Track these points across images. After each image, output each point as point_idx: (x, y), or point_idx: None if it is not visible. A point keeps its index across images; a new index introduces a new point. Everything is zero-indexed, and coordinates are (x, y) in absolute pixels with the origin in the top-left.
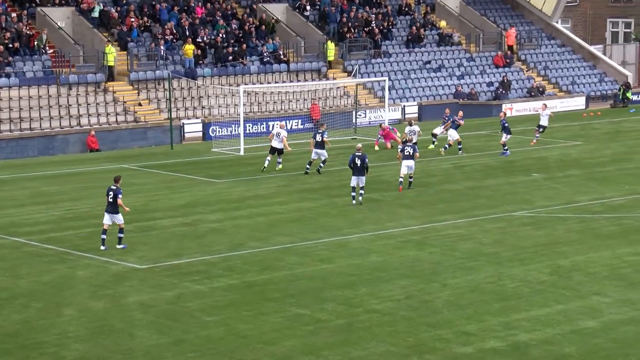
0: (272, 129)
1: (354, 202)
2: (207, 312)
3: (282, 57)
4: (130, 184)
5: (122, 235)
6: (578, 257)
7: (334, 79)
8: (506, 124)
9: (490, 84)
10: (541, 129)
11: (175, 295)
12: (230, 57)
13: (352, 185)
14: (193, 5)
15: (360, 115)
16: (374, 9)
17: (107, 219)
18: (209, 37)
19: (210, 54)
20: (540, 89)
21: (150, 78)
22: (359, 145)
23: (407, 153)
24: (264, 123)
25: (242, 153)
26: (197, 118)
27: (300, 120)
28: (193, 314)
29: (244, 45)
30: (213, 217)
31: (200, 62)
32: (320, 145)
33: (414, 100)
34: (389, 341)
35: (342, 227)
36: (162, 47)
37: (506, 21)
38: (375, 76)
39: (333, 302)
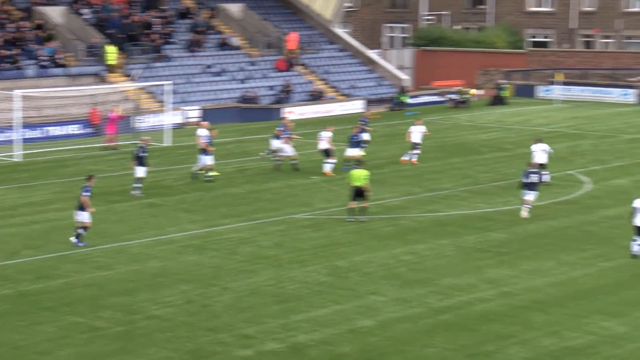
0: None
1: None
2: None
3: (60, 60)
4: None
5: (83, 232)
6: (356, 258)
7: (114, 83)
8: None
9: (272, 88)
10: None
11: None
12: (7, 62)
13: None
14: None
15: (141, 119)
16: (155, 12)
17: (76, 216)
18: None
19: None
20: (321, 93)
21: None
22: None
23: None
24: (42, 128)
25: (18, 159)
26: None
27: (80, 125)
28: None
29: (20, 49)
30: None
31: None
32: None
33: (197, 105)
34: (168, 347)
35: (122, 233)
36: None
37: (287, 26)
38: (157, 80)
39: (111, 310)
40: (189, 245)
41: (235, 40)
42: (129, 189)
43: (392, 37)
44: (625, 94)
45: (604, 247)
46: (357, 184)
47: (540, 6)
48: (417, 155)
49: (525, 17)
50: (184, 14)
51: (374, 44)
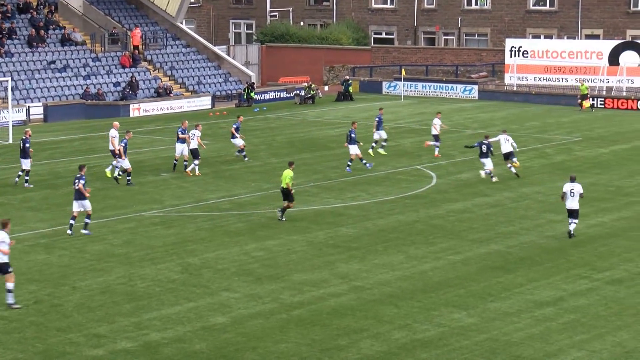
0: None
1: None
2: None
3: None
4: None
5: (89, 221)
6: (208, 255)
7: None
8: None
9: (117, 84)
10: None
11: None
12: None
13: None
14: None
15: None
16: None
17: (76, 206)
18: None
19: None
20: (167, 90)
21: None
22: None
23: None
24: None
25: None
26: None
27: None
28: None
29: None
30: None
31: None
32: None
33: (39, 101)
34: (17, 348)
35: None
36: None
37: (131, 21)
38: None
39: None
40: (37, 244)
41: (78, 36)
42: None
43: (237, 33)
44: (467, 90)
45: (451, 240)
46: (282, 184)
47: (383, 3)
48: (437, 149)
49: (369, 14)
50: (23, 9)
51: (220, 40)
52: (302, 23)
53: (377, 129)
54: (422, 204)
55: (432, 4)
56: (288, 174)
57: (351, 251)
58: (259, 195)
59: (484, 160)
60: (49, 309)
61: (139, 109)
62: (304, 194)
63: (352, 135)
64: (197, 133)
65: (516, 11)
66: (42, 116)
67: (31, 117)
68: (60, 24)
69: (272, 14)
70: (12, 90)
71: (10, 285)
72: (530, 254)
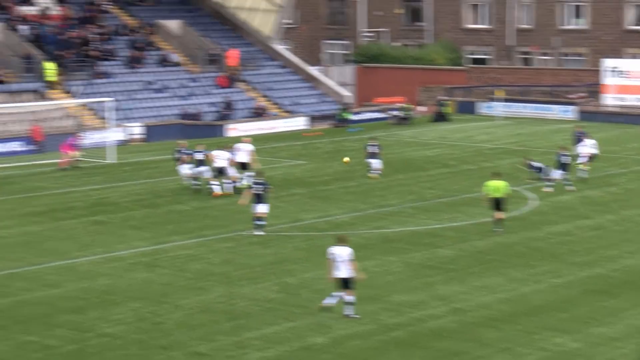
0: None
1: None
2: None
3: None
4: None
5: (263, 222)
6: (306, 275)
7: (55, 99)
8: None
9: (213, 104)
10: None
11: None
12: None
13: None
14: None
15: (84, 136)
16: (92, 28)
17: (259, 208)
18: None
19: None
20: (264, 110)
21: None
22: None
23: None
24: None
25: None
26: None
27: (22, 143)
28: None
29: None
30: None
31: None
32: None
33: (139, 121)
34: None
35: (70, 251)
36: None
37: (226, 42)
38: (98, 97)
39: (62, 328)
40: (139, 263)
41: (175, 57)
42: (75, 206)
43: (332, 53)
44: (565, 111)
45: (552, 263)
46: (497, 195)
47: (477, 23)
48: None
49: (464, 34)
50: (122, 31)
51: (315, 60)
52: (396, 43)
53: (578, 145)
54: (521, 225)
55: (528, 24)
56: (502, 184)
57: (449, 273)
58: (355, 215)
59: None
60: (151, 327)
61: (236, 129)
62: (401, 215)
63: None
64: (248, 147)
65: (613, 31)
66: (142, 136)
67: (132, 136)
68: (159, 46)
69: (367, 34)
70: (112, 110)
71: (350, 298)
72: (634, 278)
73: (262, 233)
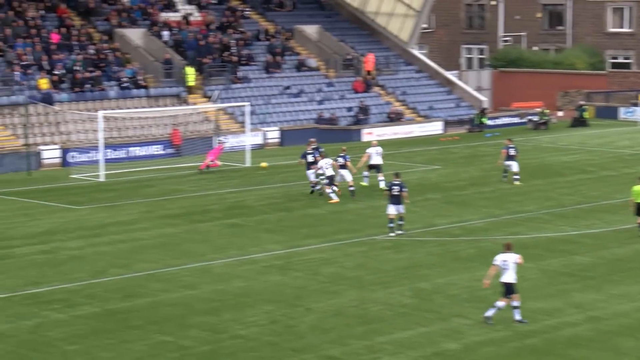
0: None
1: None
2: (68, 341)
3: (141, 82)
4: None
5: (402, 222)
6: (439, 280)
7: (194, 104)
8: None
9: (349, 109)
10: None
11: (35, 324)
12: (89, 84)
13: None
14: (47, 31)
15: (220, 140)
16: (233, 34)
17: (392, 210)
18: (64, 64)
19: (67, 79)
20: (399, 115)
21: (5, 104)
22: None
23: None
24: (124, 149)
25: (102, 179)
26: (55, 144)
27: (161, 146)
28: (54, 343)
29: (100, 71)
30: (73, 245)
31: (57, 87)
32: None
33: (275, 126)
34: None
35: (205, 253)
36: (16, 73)
37: (364, 47)
38: (236, 101)
39: (197, 329)
40: (272, 266)
41: (313, 62)
42: (211, 209)
43: (469, 58)
44: None
45: None
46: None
47: (620, 27)
48: None
49: (605, 38)
50: (261, 36)
51: (451, 65)
52: (535, 48)
53: None
54: None
55: None
56: None
57: (586, 280)
58: (490, 221)
59: None
60: (284, 330)
61: (371, 134)
62: (537, 221)
63: None
64: (378, 149)
65: None
66: (277, 140)
67: (267, 141)
68: (296, 50)
69: (505, 38)
70: (249, 115)
71: (516, 302)
72: None
73: (401, 232)
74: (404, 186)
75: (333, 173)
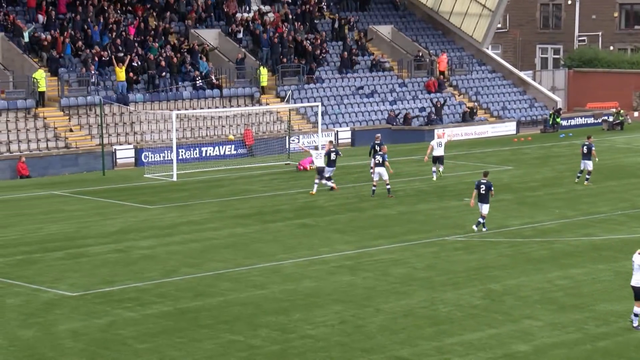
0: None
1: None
2: (139, 340)
3: (215, 82)
4: (60, 210)
5: (482, 220)
6: (510, 281)
7: (267, 104)
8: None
9: (422, 109)
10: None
11: (107, 322)
12: (164, 84)
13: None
14: (124, 24)
15: (293, 140)
16: (308, 34)
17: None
18: (142, 58)
19: (142, 79)
20: (472, 115)
21: (81, 104)
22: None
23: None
24: (197, 148)
25: (175, 179)
26: (129, 144)
27: (233, 146)
28: (125, 341)
29: (177, 71)
30: (145, 244)
31: (133, 87)
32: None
33: (347, 126)
34: None
35: (276, 253)
36: (92, 72)
37: (437, 47)
38: (308, 101)
39: (267, 328)
40: (342, 266)
41: (386, 62)
42: (282, 209)
43: (544, 58)
44: None
45: None
46: None
47: None
48: None
49: None
50: (335, 36)
51: (526, 65)
52: (611, 47)
53: None
54: None
55: None
56: None
57: None
58: (563, 222)
59: None
60: (354, 330)
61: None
62: (611, 223)
63: None
64: (444, 140)
65: None
66: (349, 140)
67: (339, 141)
68: (370, 50)
69: (580, 38)
70: (321, 115)
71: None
72: None
73: (485, 229)
74: (491, 185)
75: (323, 165)
